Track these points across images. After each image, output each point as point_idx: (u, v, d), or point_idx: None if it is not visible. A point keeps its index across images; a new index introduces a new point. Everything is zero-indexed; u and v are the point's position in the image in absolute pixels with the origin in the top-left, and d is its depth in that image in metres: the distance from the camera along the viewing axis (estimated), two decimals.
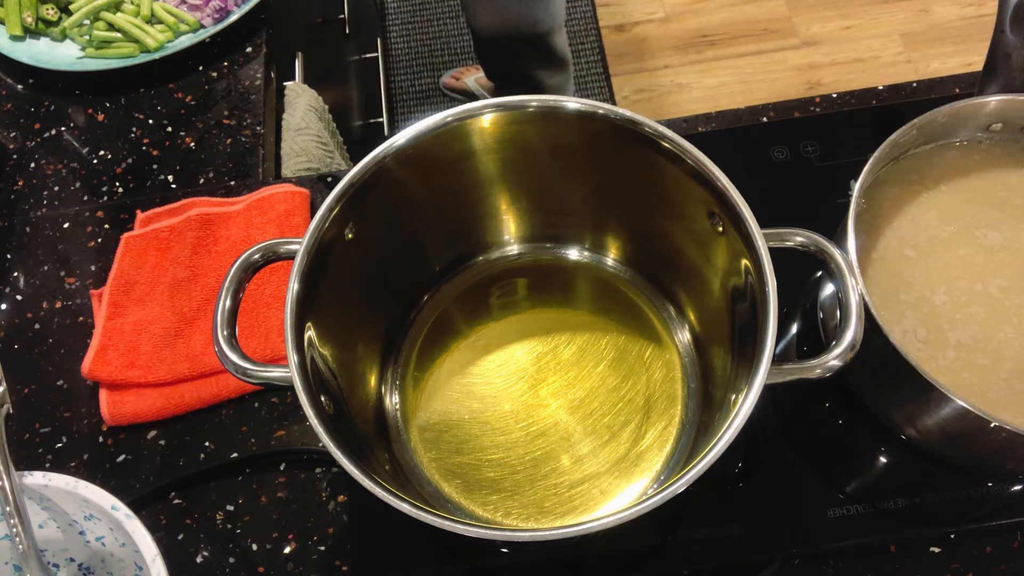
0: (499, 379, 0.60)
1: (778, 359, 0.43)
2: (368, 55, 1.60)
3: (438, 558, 0.55)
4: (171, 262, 0.67)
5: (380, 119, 1.50)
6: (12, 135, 0.80)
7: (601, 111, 0.51)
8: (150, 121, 0.80)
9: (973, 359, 0.52)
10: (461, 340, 0.62)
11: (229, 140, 0.78)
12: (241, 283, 0.48)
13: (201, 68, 0.83)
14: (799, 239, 0.47)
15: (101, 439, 0.62)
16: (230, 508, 0.59)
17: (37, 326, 0.67)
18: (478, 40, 1.42)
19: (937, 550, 0.54)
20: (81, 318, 0.67)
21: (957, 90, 0.73)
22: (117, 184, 0.76)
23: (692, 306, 0.60)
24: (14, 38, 0.83)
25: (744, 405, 0.42)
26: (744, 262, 0.48)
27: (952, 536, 0.54)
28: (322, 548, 0.57)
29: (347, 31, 1.38)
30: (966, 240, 0.55)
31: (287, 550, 0.57)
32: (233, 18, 0.83)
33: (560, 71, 1.47)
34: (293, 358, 0.45)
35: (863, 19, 1.91)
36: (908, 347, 0.49)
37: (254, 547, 0.57)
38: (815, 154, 0.69)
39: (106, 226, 0.72)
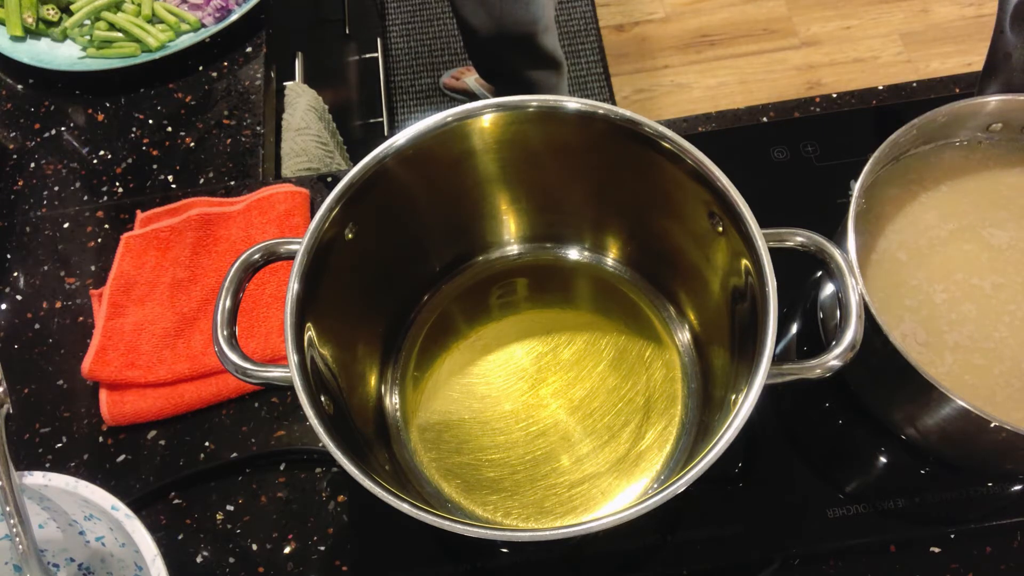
0: (499, 379, 0.60)
1: (778, 359, 0.43)
2: (368, 55, 1.60)
3: (438, 558, 0.55)
4: (171, 262, 0.67)
5: (380, 119, 1.50)
6: (12, 135, 0.80)
7: (601, 111, 0.51)
8: (150, 121, 0.80)
9: (971, 360, 0.52)
10: (461, 340, 0.62)
11: (229, 140, 0.78)
12: (241, 283, 0.48)
13: (201, 68, 0.83)
14: (799, 239, 0.47)
15: (101, 439, 0.62)
16: (230, 508, 0.59)
17: (37, 326, 0.67)
18: (467, 38, 1.42)
19: (937, 550, 0.54)
20: (81, 318, 0.67)
21: (957, 90, 0.73)
22: (117, 184, 0.76)
23: (692, 306, 0.60)
24: (15, 38, 0.83)
25: (744, 405, 0.42)
26: (744, 262, 0.48)
27: (952, 536, 0.54)
28: (322, 548, 0.57)
29: (346, 31, 1.38)
30: (969, 238, 0.55)
31: (287, 550, 0.57)
32: (234, 17, 0.83)
33: (552, 72, 1.46)
34: (293, 358, 0.45)
35: (863, 19, 1.91)
36: (908, 349, 0.49)
37: (254, 547, 0.57)
38: (815, 154, 0.69)
39: (106, 226, 0.72)
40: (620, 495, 0.55)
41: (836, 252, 0.46)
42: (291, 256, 0.48)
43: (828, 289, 0.59)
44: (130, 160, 0.78)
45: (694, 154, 0.49)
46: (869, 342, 0.45)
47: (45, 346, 0.66)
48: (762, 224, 0.47)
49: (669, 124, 0.72)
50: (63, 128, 0.80)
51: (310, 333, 0.48)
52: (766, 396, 0.42)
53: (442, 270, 0.64)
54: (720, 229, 0.50)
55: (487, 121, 0.53)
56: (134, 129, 0.80)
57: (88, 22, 0.83)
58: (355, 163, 0.50)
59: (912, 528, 0.54)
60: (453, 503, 0.56)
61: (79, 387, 0.64)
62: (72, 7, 0.84)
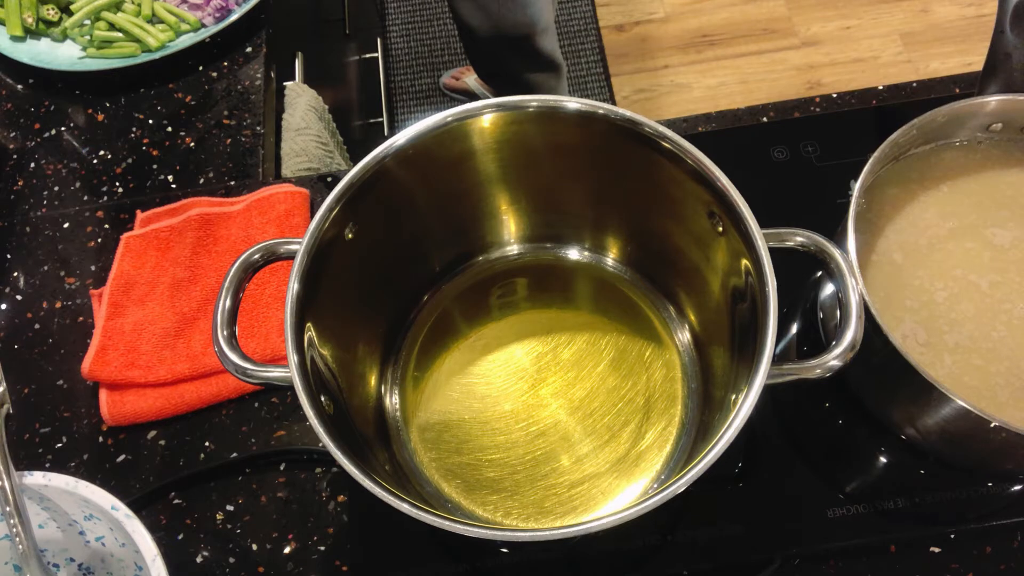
0: (499, 379, 0.60)
1: (778, 359, 0.43)
2: (368, 55, 1.60)
3: (438, 558, 0.55)
4: (171, 262, 0.67)
5: (380, 119, 1.50)
6: (12, 135, 0.80)
7: (601, 111, 0.51)
8: (150, 121, 0.80)
9: (970, 360, 0.52)
10: (461, 340, 0.62)
11: (229, 140, 0.78)
12: (241, 283, 0.48)
13: (201, 68, 0.83)
14: (799, 239, 0.47)
15: (101, 439, 0.62)
16: (230, 508, 0.59)
17: (37, 326, 0.67)
18: (465, 39, 1.42)
19: (937, 550, 0.54)
20: (81, 318, 0.67)
21: (957, 90, 0.73)
22: (117, 184, 0.76)
23: (692, 306, 0.60)
24: (15, 39, 0.83)
25: (744, 405, 0.42)
26: (744, 262, 0.48)
27: (952, 536, 0.54)
28: (322, 548, 0.57)
29: (346, 31, 1.38)
30: (971, 237, 0.55)
31: (287, 550, 0.57)
32: (234, 17, 0.83)
33: (551, 74, 1.46)
34: (293, 358, 0.45)
35: (863, 19, 1.91)
36: (909, 350, 0.49)
37: (254, 547, 0.57)
38: (815, 154, 0.69)
39: (106, 226, 0.72)
40: (620, 495, 0.55)
41: (836, 252, 0.46)
42: (291, 256, 0.48)
43: (828, 289, 0.59)
44: (130, 160, 0.78)
45: (694, 154, 0.49)
46: (869, 342, 0.45)
47: (45, 346, 0.66)
48: (762, 224, 0.47)
49: (669, 124, 0.72)
50: (63, 128, 0.80)
51: (310, 333, 0.48)
52: (766, 396, 0.42)
53: (442, 270, 0.64)
54: (720, 229, 0.50)
55: (487, 121, 0.53)
56: (134, 129, 0.80)
57: (88, 22, 0.83)
58: (355, 163, 0.50)
59: (912, 528, 0.54)
60: (453, 503, 0.56)
61: (79, 387, 0.64)
62: (72, 7, 0.84)
